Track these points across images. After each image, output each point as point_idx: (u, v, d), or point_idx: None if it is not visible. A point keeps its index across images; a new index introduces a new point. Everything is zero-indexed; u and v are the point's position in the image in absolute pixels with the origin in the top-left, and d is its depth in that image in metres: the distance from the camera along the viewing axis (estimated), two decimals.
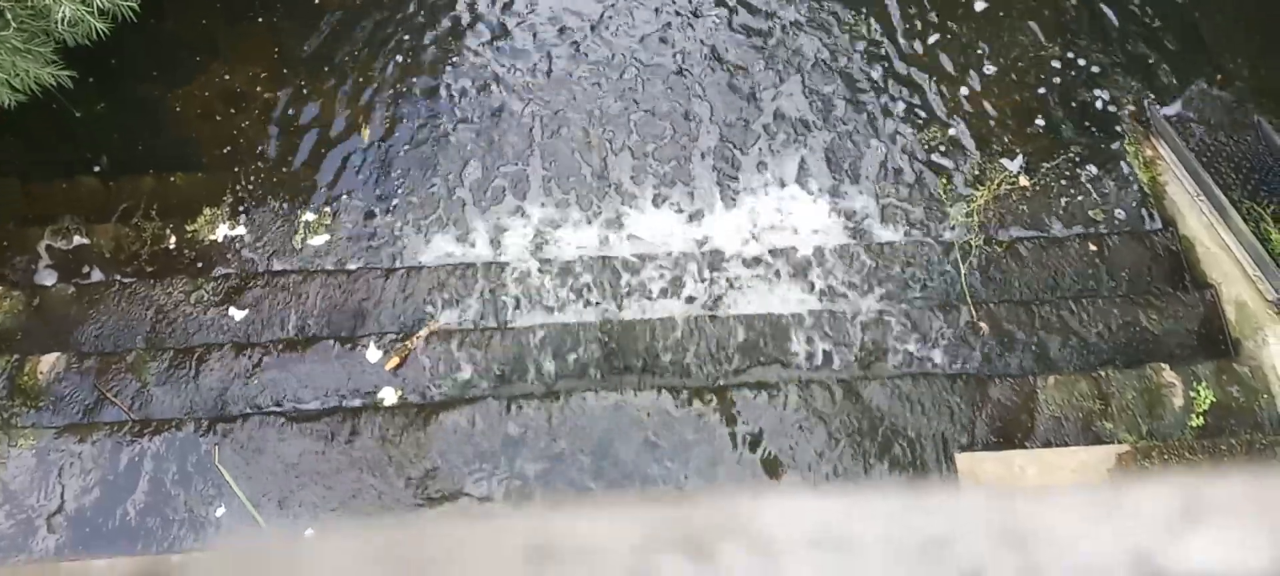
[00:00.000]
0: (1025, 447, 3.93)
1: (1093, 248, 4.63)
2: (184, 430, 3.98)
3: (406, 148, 5.21)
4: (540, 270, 4.59)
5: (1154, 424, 3.99)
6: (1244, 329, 4.25)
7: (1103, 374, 4.09)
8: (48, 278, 4.81)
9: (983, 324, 4.33)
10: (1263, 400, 4.03)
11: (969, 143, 5.13)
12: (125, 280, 4.71)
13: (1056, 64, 5.43)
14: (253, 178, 5.14)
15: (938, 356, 4.27)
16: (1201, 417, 3.98)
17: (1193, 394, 4.02)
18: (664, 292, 4.53)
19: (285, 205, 5.01)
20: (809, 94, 5.32)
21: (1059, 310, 4.36)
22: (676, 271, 4.58)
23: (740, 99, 5.31)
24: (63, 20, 4.08)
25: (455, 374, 4.22)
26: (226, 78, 5.53)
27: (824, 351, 4.27)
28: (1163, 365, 4.11)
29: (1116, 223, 4.82)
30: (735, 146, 5.12)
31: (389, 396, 4.17)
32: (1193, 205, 4.68)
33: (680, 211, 4.90)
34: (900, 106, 5.26)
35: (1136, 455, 3.84)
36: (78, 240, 4.93)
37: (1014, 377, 4.11)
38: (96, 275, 4.81)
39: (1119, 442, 3.91)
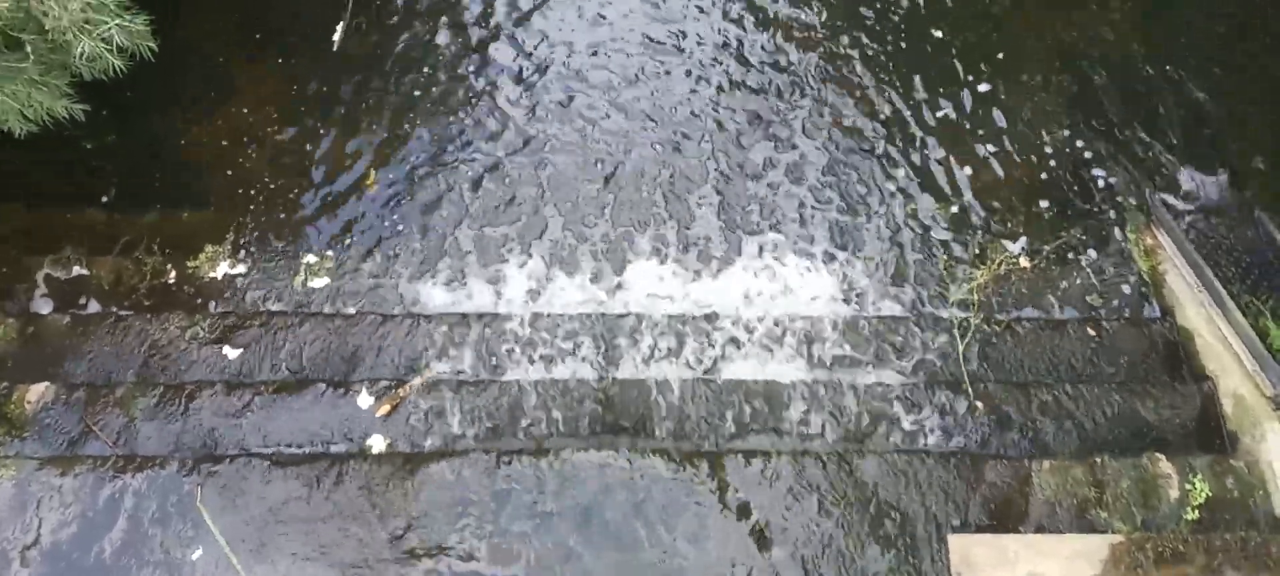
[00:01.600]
0: (1019, 532, 3.87)
1: (1091, 332, 4.62)
2: (167, 468, 3.94)
3: (412, 197, 5.23)
4: (537, 324, 4.58)
5: (1149, 514, 3.94)
6: (1241, 423, 4.22)
7: (1098, 460, 4.05)
8: (44, 307, 4.80)
9: (979, 403, 4.30)
10: (1258, 497, 3.98)
11: (971, 221, 5.15)
12: (122, 313, 4.70)
13: (1063, 148, 5.48)
14: (257, 217, 5.16)
15: (933, 433, 4.23)
16: (1196, 511, 3.93)
17: (1188, 486, 3.98)
18: (660, 354, 4.51)
19: (288, 246, 5.03)
20: (813, 165, 5.36)
21: (1056, 393, 4.33)
22: (674, 333, 4.57)
23: (743, 170, 5.35)
24: (82, 55, 4.13)
25: (445, 424, 4.18)
26: (238, 118, 5.59)
27: (819, 422, 4.24)
28: (1159, 455, 4.07)
29: (1115, 309, 4.82)
30: (737, 214, 5.15)
31: (377, 443, 4.13)
32: (1192, 296, 4.68)
33: (680, 274, 4.90)
34: (903, 182, 5.30)
35: (1131, 547, 3.78)
36: (77, 271, 4.93)
37: (1009, 459, 4.07)
38: (93, 306, 4.80)
39: (1113, 532, 3.86)
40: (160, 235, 5.06)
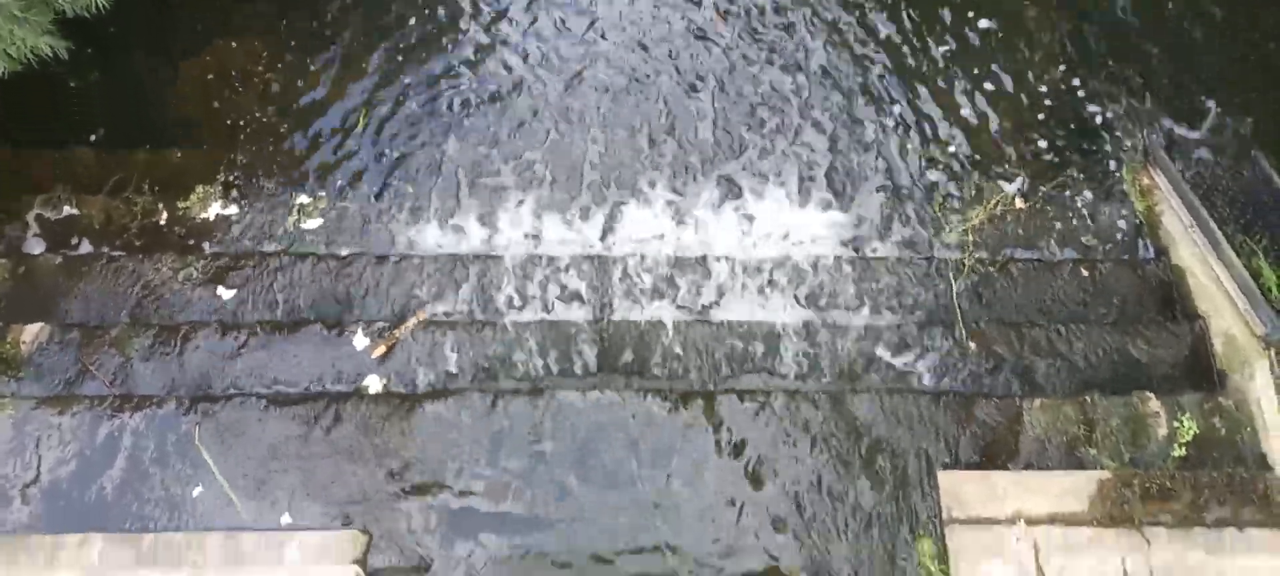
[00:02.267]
0: (1008, 469, 3.93)
1: (1085, 273, 4.63)
2: (165, 408, 3.96)
3: (405, 136, 5.18)
4: (532, 266, 4.57)
5: (1137, 452, 3.99)
6: (1231, 362, 4.25)
7: (1088, 399, 4.10)
8: (36, 247, 4.77)
9: (972, 343, 4.32)
10: (1245, 434, 4.04)
11: (968, 162, 5.12)
12: (114, 254, 4.67)
13: (1062, 88, 5.43)
14: (248, 157, 5.11)
15: (925, 373, 4.26)
16: (1184, 448, 3.98)
17: (1177, 424, 4.03)
18: (655, 295, 4.51)
19: (280, 186, 4.98)
20: (809, 103, 5.30)
21: (1048, 333, 4.36)
22: (669, 274, 4.56)
23: (743, 106, 5.29)
24: None
25: (441, 365, 4.20)
26: (227, 54, 5.49)
27: (812, 362, 4.26)
28: (1149, 394, 4.11)
29: (1110, 249, 4.82)
30: (734, 154, 5.10)
31: (374, 384, 4.15)
32: (1186, 236, 4.69)
33: (674, 214, 4.88)
34: (902, 122, 5.26)
35: (1118, 483, 3.84)
36: (68, 211, 4.89)
37: (1000, 398, 4.11)
38: (85, 247, 4.77)
39: (1101, 469, 3.91)
40: (150, 175, 5.01)
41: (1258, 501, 3.84)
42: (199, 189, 4.94)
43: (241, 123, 5.24)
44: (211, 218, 4.85)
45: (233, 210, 4.89)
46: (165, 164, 5.08)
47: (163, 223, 4.86)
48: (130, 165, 5.06)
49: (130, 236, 4.81)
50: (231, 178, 5.00)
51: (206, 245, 4.77)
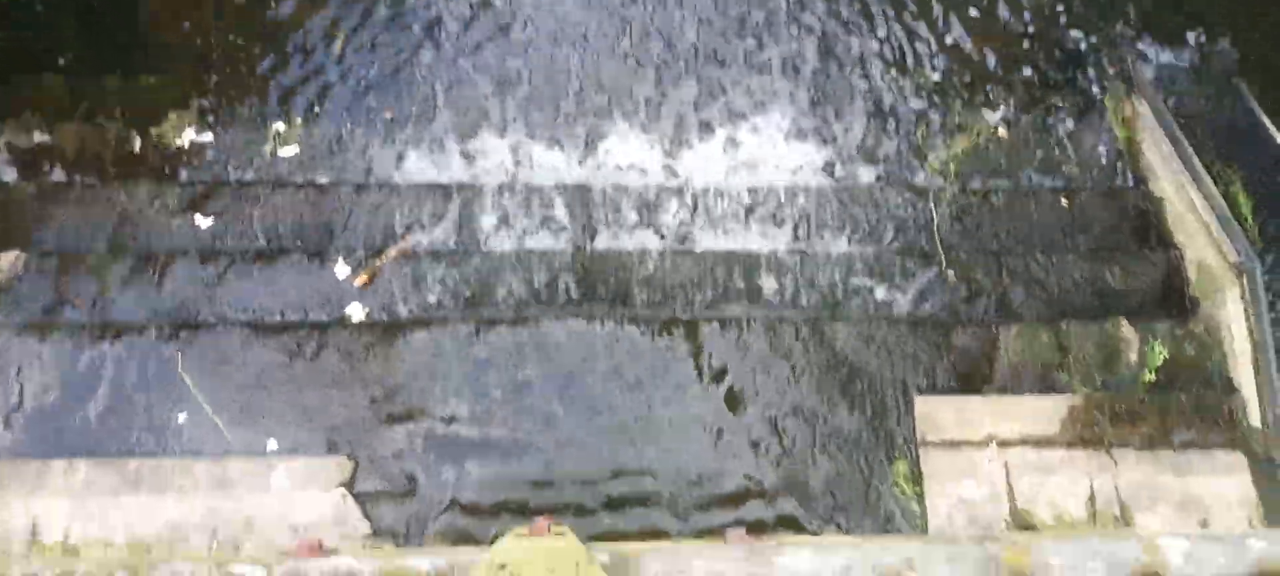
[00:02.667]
0: (983, 394, 4.01)
1: (1065, 202, 4.67)
2: (146, 335, 3.95)
3: (383, 60, 5.07)
4: (514, 193, 4.55)
5: (1108, 377, 4.08)
6: (1203, 289, 4.33)
7: (1063, 326, 4.17)
8: (7, 175, 4.68)
9: (951, 271, 4.37)
10: (1214, 358, 4.13)
11: (950, 90, 5.10)
12: (88, 181, 4.60)
13: (1046, 14, 5.38)
14: (222, 82, 5.00)
15: (904, 301, 4.31)
16: (1155, 373, 4.08)
17: (1148, 349, 4.11)
18: (637, 223, 4.51)
19: (256, 113, 4.89)
20: (791, 29, 5.24)
21: (1027, 261, 4.41)
22: (651, 202, 4.56)
23: (722, 32, 5.22)
24: None
25: (424, 294, 4.20)
26: None
27: (792, 290, 4.30)
28: (1121, 320, 4.18)
29: (1091, 179, 4.85)
30: (714, 84, 5.05)
31: (357, 313, 4.16)
32: (1166, 165, 4.72)
33: (656, 142, 4.85)
34: (882, 49, 5.21)
35: (1088, 407, 3.93)
36: (39, 138, 4.79)
37: (977, 325, 4.17)
38: (58, 175, 4.69)
39: (1073, 393, 4.01)
40: (122, 101, 4.89)
41: (1223, 424, 3.95)
42: (172, 115, 4.84)
43: (213, 46, 5.11)
44: (186, 145, 4.77)
45: (208, 137, 4.80)
46: (136, 90, 4.97)
47: (136, 150, 4.78)
48: (101, 92, 4.94)
49: (104, 164, 4.73)
50: (205, 104, 4.90)
51: (182, 173, 4.70)
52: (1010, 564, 2.39)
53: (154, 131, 4.81)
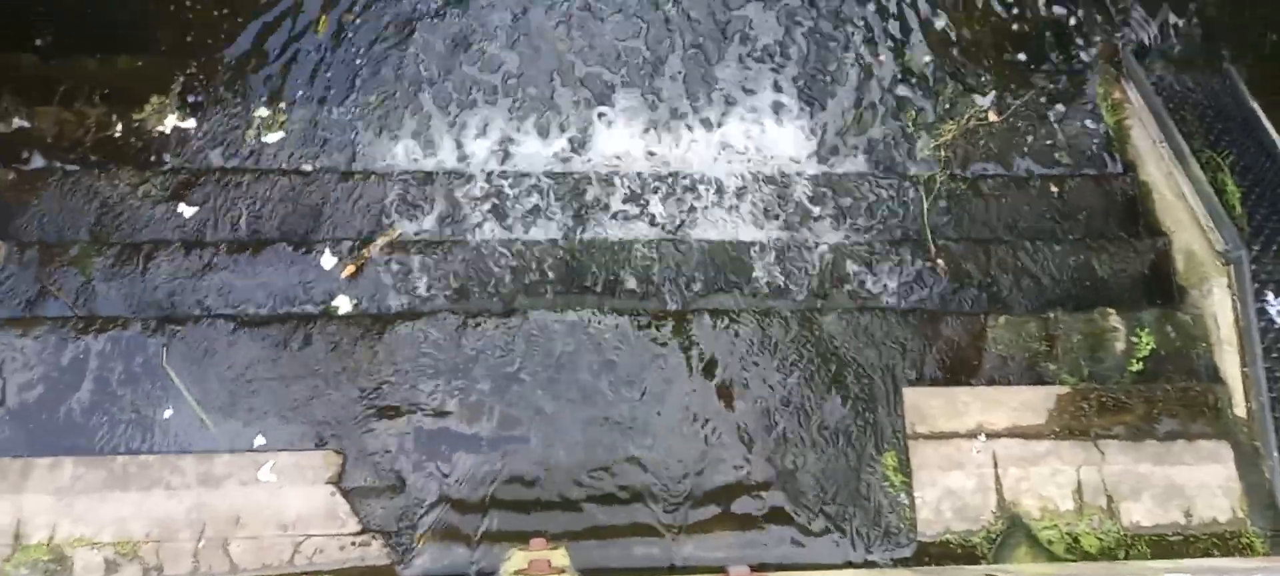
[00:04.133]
0: (971, 385, 4.03)
1: (1054, 189, 4.66)
2: (131, 329, 3.91)
3: (369, 44, 5.00)
4: (503, 182, 4.50)
5: (1095, 367, 4.10)
6: (1191, 278, 4.34)
7: (1051, 316, 4.18)
8: None
9: (940, 260, 4.37)
10: (1200, 349, 4.15)
11: (940, 74, 5.06)
12: (69, 168, 4.53)
13: None
14: (204, 66, 4.91)
15: (893, 290, 4.31)
16: (1141, 363, 4.10)
17: (1135, 339, 4.13)
18: (627, 213, 4.48)
19: (239, 98, 4.81)
20: (780, 17, 5.17)
21: (1015, 251, 4.41)
22: (640, 191, 4.53)
23: (711, 21, 5.15)
24: None
25: (412, 285, 4.17)
26: None
27: (782, 280, 4.29)
28: (1109, 310, 4.20)
29: (1080, 165, 4.84)
30: (704, 72, 5.00)
31: (344, 304, 4.12)
32: (1154, 151, 4.72)
33: (647, 131, 4.80)
34: (872, 34, 5.16)
35: (1075, 397, 3.96)
36: (17, 122, 4.71)
37: (965, 315, 4.18)
38: (37, 161, 4.61)
39: (1060, 383, 4.03)
40: (102, 84, 4.81)
41: (1208, 413, 3.99)
42: (154, 100, 4.76)
43: (195, 28, 5.02)
44: (168, 131, 4.69)
45: (190, 123, 4.73)
46: (116, 72, 4.88)
47: (118, 135, 4.70)
48: (80, 74, 4.85)
49: (85, 150, 4.65)
50: (187, 88, 4.82)
51: (164, 159, 4.63)
52: None
53: (135, 116, 4.73)
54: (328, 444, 3.75)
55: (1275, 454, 3.85)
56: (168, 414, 3.78)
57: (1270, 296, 4.06)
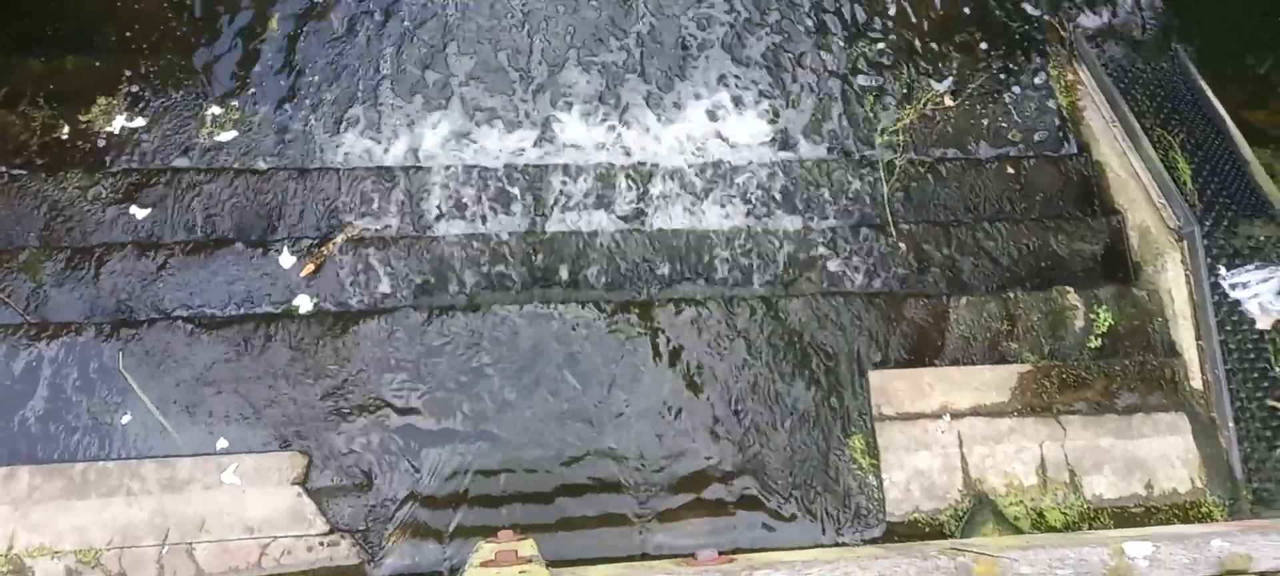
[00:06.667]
0: (935, 366, 4.07)
1: (1010, 171, 4.73)
2: (84, 334, 3.81)
3: (321, 37, 4.91)
4: (463, 176, 4.46)
5: (1055, 344, 4.17)
6: (1145, 254, 4.44)
7: (1011, 295, 4.24)
8: None
9: (902, 244, 4.41)
10: (1156, 324, 4.24)
11: (897, 60, 5.10)
12: (15, 172, 4.40)
13: None
14: (152, 65, 4.78)
15: (857, 274, 4.35)
16: (1100, 339, 4.18)
17: (1093, 316, 4.21)
18: (590, 204, 4.46)
19: (189, 96, 4.70)
20: (740, 5, 5.18)
21: (974, 232, 4.47)
22: (603, 182, 4.51)
23: (672, 10, 5.14)
24: None
25: (373, 282, 4.11)
26: None
27: (746, 267, 4.30)
28: (1068, 288, 4.27)
29: (1035, 146, 4.92)
30: (666, 61, 4.99)
31: (304, 303, 4.06)
32: (1107, 131, 4.80)
33: (607, 121, 4.78)
34: (829, 20, 5.19)
35: (1037, 375, 4.02)
36: None
37: (928, 297, 4.22)
38: None
39: (1022, 362, 4.09)
40: (47, 85, 4.67)
41: (1165, 386, 4.08)
42: (101, 100, 4.64)
43: (141, 27, 4.89)
44: (117, 131, 4.57)
45: (140, 122, 4.62)
46: (62, 73, 4.75)
47: (65, 137, 4.58)
48: (23, 75, 4.71)
49: (31, 153, 4.52)
50: (136, 88, 4.70)
51: (114, 161, 4.51)
52: (981, 575, 2.44)
53: (83, 118, 4.61)
54: (292, 445, 3.70)
55: (1231, 424, 3.95)
56: (126, 419, 3.69)
57: (1222, 270, 4.16)
